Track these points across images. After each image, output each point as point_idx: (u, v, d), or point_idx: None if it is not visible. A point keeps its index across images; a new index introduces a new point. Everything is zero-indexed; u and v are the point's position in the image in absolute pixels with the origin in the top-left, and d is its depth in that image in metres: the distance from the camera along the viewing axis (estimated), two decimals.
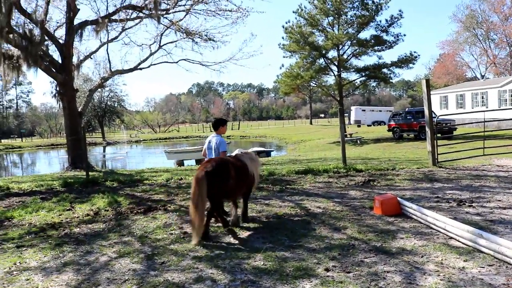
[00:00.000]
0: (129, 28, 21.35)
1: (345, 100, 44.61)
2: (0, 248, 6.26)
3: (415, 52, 32.77)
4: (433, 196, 8.71)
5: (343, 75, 35.49)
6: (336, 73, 34.69)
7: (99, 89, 48.15)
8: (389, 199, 7.40)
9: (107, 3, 20.09)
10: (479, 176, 11.01)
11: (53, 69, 18.37)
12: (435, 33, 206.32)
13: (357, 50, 34.01)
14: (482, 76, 60.55)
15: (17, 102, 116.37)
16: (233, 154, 7.55)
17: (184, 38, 21.68)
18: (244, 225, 6.98)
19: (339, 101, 35.14)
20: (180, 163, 26.57)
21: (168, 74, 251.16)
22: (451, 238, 5.80)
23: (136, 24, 21.11)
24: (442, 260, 5.03)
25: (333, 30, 33.74)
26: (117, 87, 71.55)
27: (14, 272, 5.24)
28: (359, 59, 35.27)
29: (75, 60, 19.99)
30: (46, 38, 18.04)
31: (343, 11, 33.00)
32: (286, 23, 33.39)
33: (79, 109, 19.78)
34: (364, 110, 65.36)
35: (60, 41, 18.74)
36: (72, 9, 17.97)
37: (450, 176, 11.23)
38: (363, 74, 34.68)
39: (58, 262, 5.56)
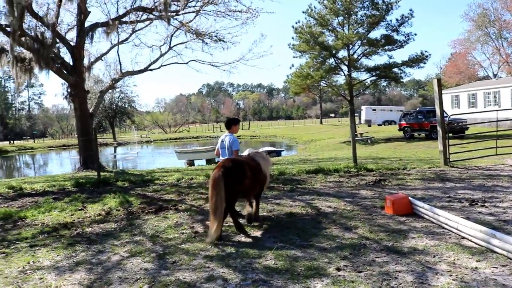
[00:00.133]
0: (139, 29, 21.53)
1: (356, 100, 44.52)
2: (14, 248, 6.33)
3: (426, 51, 32.59)
4: (445, 195, 8.64)
5: (354, 74, 35.36)
6: (346, 72, 34.59)
7: (110, 90, 48.51)
8: (400, 199, 7.36)
9: (118, 5, 20.17)
10: (491, 176, 10.90)
11: (65, 71, 18.54)
12: (447, 32, 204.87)
13: (368, 50, 33.86)
14: (495, 75, 59.96)
15: (29, 104, 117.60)
16: (244, 153, 7.55)
17: (194, 39, 21.78)
18: (255, 225, 6.99)
19: (350, 100, 35.01)
20: (191, 163, 26.64)
21: (178, 74, 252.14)
22: (463, 238, 5.75)
23: (146, 25, 21.27)
24: (454, 260, 4.99)
25: (343, 30, 33.64)
26: (127, 88, 71.98)
27: (28, 271, 5.29)
28: (369, 58, 35.14)
29: (86, 62, 20.16)
30: (58, 40, 18.22)
31: (353, 10, 32.89)
32: (296, 23, 33.43)
33: (90, 110, 19.94)
34: (374, 110, 65.00)
35: (71, 43, 18.91)
36: (83, 12, 18.12)
37: (462, 175, 11.14)
38: (374, 73, 34.52)
39: (71, 261, 5.61)
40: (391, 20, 33.15)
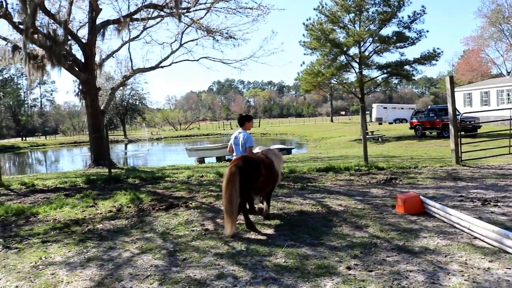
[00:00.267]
0: (150, 26, 21.60)
1: (367, 98, 44.33)
2: (26, 243, 6.39)
3: (438, 48, 32.37)
4: (456, 195, 8.57)
5: (365, 72, 35.24)
6: (357, 70, 34.46)
7: (121, 88, 48.76)
8: (412, 198, 7.31)
9: (129, 2, 20.36)
10: (504, 175, 10.79)
11: (76, 68, 18.67)
12: (459, 29, 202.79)
13: (379, 47, 33.70)
14: (508, 73, 59.17)
15: (41, 101, 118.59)
16: (255, 151, 7.55)
17: (204, 36, 21.80)
18: (266, 222, 6.99)
19: (361, 98, 34.89)
20: (201, 160, 26.67)
21: (189, 72, 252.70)
22: (475, 238, 5.70)
23: (157, 22, 21.35)
24: (466, 260, 4.94)
25: (355, 27, 33.50)
26: (138, 85, 72.25)
27: (40, 267, 5.34)
28: (380, 56, 35.01)
29: (97, 59, 20.29)
30: (70, 37, 18.33)
31: (365, 7, 32.74)
32: (307, 20, 33.37)
33: (102, 107, 20.08)
34: (385, 108, 64.57)
35: (83, 40, 19.03)
36: (94, 9, 18.21)
37: (474, 174, 11.04)
38: (385, 71, 34.34)
39: (82, 257, 5.65)
40: (402, 17, 33.03)
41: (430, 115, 30.17)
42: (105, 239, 6.48)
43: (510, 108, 15.66)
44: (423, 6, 32.33)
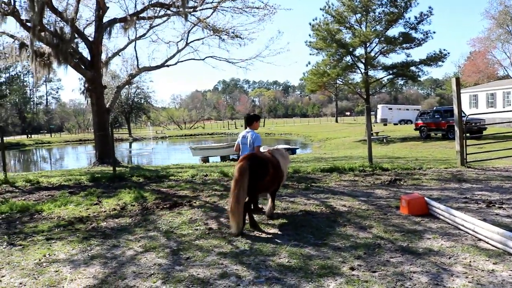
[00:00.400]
0: (156, 25, 21.66)
1: (372, 98, 44.17)
2: (30, 240, 6.42)
3: (444, 49, 32.27)
4: (461, 196, 8.54)
5: (370, 73, 35.18)
6: (363, 70, 34.39)
7: (127, 86, 48.87)
8: (416, 199, 7.29)
9: (136, 1, 20.37)
10: (510, 177, 10.73)
11: (82, 66, 18.73)
12: (466, 30, 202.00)
13: (385, 48, 33.63)
14: None
15: (47, 99, 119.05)
16: (261, 150, 7.55)
17: (211, 35, 21.82)
18: (270, 222, 6.99)
19: (366, 99, 34.81)
20: (205, 159, 26.70)
21: (194, 71, 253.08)
22: (480, 240, 5.67)
23: (164, 21, 21.36)
24: (470, 262, 4.93)
25: (361, 28, 33.43)
26: (144, 84, 72.67)
27: (44, 264, 5.37)
28: (386, 56, 34.92)
29: (103, 57, 20.35)
30: (76, 36, 18.40)
31: (371, 8, 32.66)
32: (313, 20, 33.35)
33: (107, 106, 20.12)
34: (391, 109, 64.45)
35: (90, 38, 19.10)
36: (101, 7, 18.26)
37: (479, 176, 10.99)
38: (391, 72, 34.26)
39: (86, 255, 5.67)
40: (409, 18, 32.93)
41: (436, 116, 30.06)
42: (109, 237, 6.49)
43: None
44: (430, 7, 32.27)
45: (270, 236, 6.27)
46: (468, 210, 7.31)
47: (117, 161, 18.07)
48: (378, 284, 4.39)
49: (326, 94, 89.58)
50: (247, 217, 6.63)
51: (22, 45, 17.87)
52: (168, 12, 19.78)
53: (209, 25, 21.05)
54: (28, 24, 16.43)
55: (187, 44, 22.20)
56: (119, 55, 22.47)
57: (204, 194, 9.64)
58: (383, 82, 37.32)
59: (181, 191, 10.21)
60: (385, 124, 57.74)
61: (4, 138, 13.31)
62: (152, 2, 19.45)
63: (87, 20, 20.57)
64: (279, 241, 5.97)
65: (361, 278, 4.56)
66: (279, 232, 6.43)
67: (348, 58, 34.30)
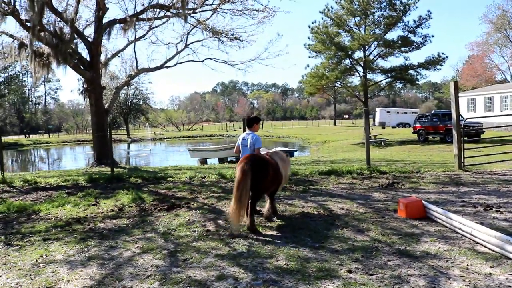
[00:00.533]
0: (156, 27, 21.68)
1: (370, 101, 44.27)
2: (27, 240, 6.41)
3: (443, 53, 32.36)
4: (459, 200, 8.55)
5: (369, 76, 35.27)
6: (361, 74, 34.45)
7: (125, 87, 48.86)
8: (414, 202, 7.30)
9: (135, 2, 20.38)
10: (507, 181, 10.75)
11: (82, 67, 18.73)
12: (464, 34, 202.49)
13: (384, 51, 33.69)
14: None
15: (45, 99, 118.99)
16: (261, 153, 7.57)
17: (210, 37, 21.86)
18: (267, 224, 6.99)
19: (364, 102, 34.86)
20: (203, 161, 26.69)
21: (193, 72, 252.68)
22: (477, 243, 5.68)
23: (163, 23, 21.42)
24: (467, 265, 4.93)
25: (360, 31, 33.50)
26: (142, 85, 72.50)
27: (41, 264, 5.35)
28: (385, 60, 35.02)
29: (103, 58, 20.34)
30: (76, 36, 18.40)
31: (370, 11, 32.74)
32: (313, 23, 33.43)
33: (106, 106, 20.11)
34: (389, 112, 64.57)
35: (89, 39, 19.10)
36: (101, 8, 18.27)
37: (476, 180, 11.01)
38: (389, 75, 34.34)
39: (83, 256, 5.66)
40: (408, 21, 33.03)
41: (434, 120, 30.09)
42: (106, 238, 6.49)
43: None
44: (428, 11, 32.31)
45: (267, 238, 6.27)
46: (465, 213, 7.32)
47: (115, 162, 18.03)
48: (375, 287, 4.40)
49: (324, 97, 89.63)
50: (247, 216, 6.65)
51: (22, 45, 17.86)
52: (168, 13, 19.79)
53: (209, 27, 21.07)
54: (28, 24, 16.43)
55: (186, 45, 22.22)
56: (118, 56, 22.51)
57: (202, 196, 9.64)
58: (382, 85, 37.38)
59: (179, 192, 10.21)
60: (383, 127, 57.81)
61: (2, 138, 13.28)
62: (152, 3, 19.48)
63: (87, 21, 20.60)
64: (276, 243, 5.96)
65: (359, 281, 4.56)
66: (276, 235, 6.44)
67: (347, 61, 34.37)
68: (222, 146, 28.91)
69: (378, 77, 36.52)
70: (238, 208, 6.25)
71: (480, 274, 4.66)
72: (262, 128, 75.06)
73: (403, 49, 33.04)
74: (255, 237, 6.33)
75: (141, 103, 74.45)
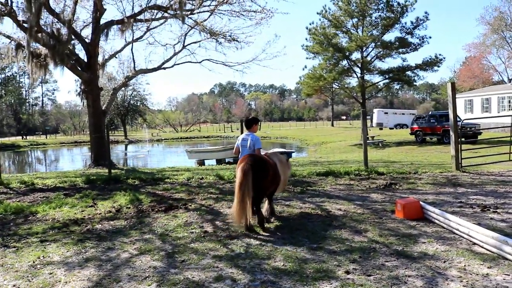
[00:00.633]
0: (153, 28, 21.63)
1: (368, 103, 44.32)
2: (24, 242, 6.39)
3: (440, 54, 32.43)
4: (456, 201, 8.56)
5: (366, 77, 35.29)
6: (359, 75, 34.51)
7: (123, 88, 48.79)
8: (411, 203, 7.31)
9: (133, 3, 20.29)
10: (504, 182, 10.78)
11: (79, 68, 18.69)
12: (461, 35, 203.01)
13: (381, 52, 33.75)
14: (510, 80, 59.19)
15: (42, 100, 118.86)
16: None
17: (208, 39, 21.82)
18: (265, 225, 6.98)
19: (362, 103, 34.90)
20: (201, 162, 26.66)
21: (191, 73, 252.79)
22: (474, 244, 5.69)
23: (161, 24, 21.38)
24: (465, 266, 4.94)
25: (357, 32, 33.56)
26: (140, 86, 72.51)
27: (38, 266, 5.34)
28: (383, 61, 35.08)
29: (100, 59, 20.30)
30: (73, 37, 18.36)
31: (368, 12, 32.80)
32: (310, 24, 33.49)
33: (103, 108, 20.07)
34: (386, 113, 64.57)
35: (86, 40, 19.07)
36: (98, 9, 18.24)
37: (474, 181, 11.03)
38: (387, 76, 34.39)
39: (80, 257, 5.65)
40: (405, 23, 33.12)
41: (431, 121, 30.15)
42: (103, 239, 6.47)
43: (510, 115, 15.67)
44: (426, 13, 32.38)
45: (265, 239, 6.27)
46: (463, 214, 7.33)
47: (112, 163, 18.00)
48: (373, 287, 4.40)
49: (322, 98, 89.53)
50: (250, 216, 6.66)
51: (19, 46, 17.82)
52: (166, 14, 19.77)
53: (206, 28, 21.05)
54: (25, 25, 16.37)
55: (184, 47, 22.19)
56: (116, 57, 22.45)
57: (199, 197, 9.64)
58: (379, 86, 37.44)
59: (177, 194, 10.20)
60: (381, 128, 57.83)
61: None
62: (150, 4, 19.47)
63: (84, 22, 20.55)
64: (274, 244, 5.96)
65: (356, 282, 4.56)
66: (274, 236, 6.43)
67: (345, 62, 34.43)
68: (219, 147, 28.88)
69: (376, 78, 36.60)
70: (241, 208, 6.28)
71: (477, 274, 4.67)
72: (259, 129, 75.15)
73: (400, 50, 33.10)
74: (253, 238, 6.33)
75: (138, 104, 74.37)
